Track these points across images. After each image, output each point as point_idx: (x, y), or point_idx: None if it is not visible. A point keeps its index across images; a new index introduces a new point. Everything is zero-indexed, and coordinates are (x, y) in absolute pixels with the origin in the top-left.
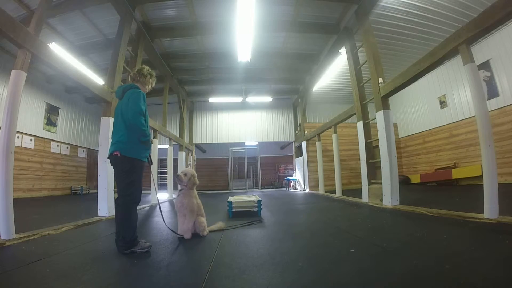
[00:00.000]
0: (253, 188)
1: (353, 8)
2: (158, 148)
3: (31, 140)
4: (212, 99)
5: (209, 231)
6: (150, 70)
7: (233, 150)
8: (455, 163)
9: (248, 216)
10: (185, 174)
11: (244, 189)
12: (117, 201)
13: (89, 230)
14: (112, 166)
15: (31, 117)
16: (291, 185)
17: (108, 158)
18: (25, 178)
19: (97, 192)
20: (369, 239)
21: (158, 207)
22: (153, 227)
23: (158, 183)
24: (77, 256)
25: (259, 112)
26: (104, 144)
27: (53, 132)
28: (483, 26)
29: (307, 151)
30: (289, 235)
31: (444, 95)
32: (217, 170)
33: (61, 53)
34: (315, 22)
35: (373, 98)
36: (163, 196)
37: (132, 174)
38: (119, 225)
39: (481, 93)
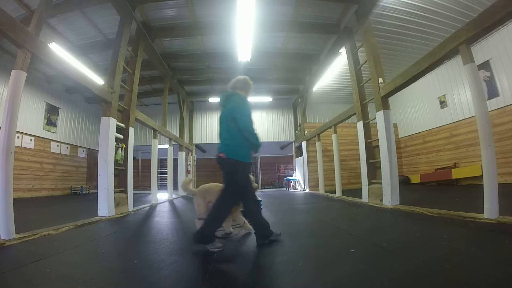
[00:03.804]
0: None
1: (353, 8)
2: (158, 148)
3: (31, 140)
4: (212, 99)
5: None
6: (251, 80)
7: None
8: (455, 163)
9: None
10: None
11: None
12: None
13: (89, 230)
14: (221, 168)
15: (31, 117)
16: (291, 185)
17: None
18: (25, 178)
19: (97, 192)
20: (369, 239)
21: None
22: (153, 227)
23: (158, 183)
24: (77, 256)
25: (259, 112)
26: (104, 144)
27: (53, 132)
28: (483, 26)
29: (307, 151)
30: (289, 234)
31: (444, 95)
32: (217, 170)
33: (61, 53)
34: (315, 22)
35: (373, 98)
36: (163, 196)
37: (234, 175)
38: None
39: (481, 93)
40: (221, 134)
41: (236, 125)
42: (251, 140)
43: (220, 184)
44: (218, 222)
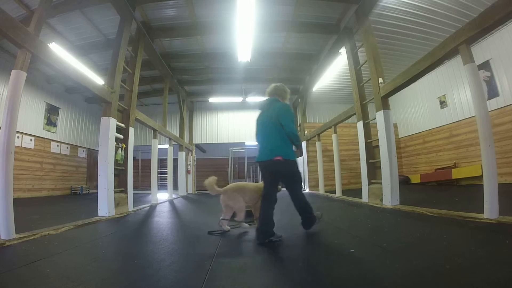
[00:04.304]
0: None
1: (353, 8)
2: (158, 148)
3: (31, 140)
4: (212, 99)
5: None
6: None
7: (233, 150)
8: (455, 163)
9: (248, 216)
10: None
11: None
12: (294, 197)
13: (89, 230)
14: (266, 169)
15: (31, 117)
16: None
17: (259, 162)
18: (25, 178)
19: (97, 192)
20: (369, 239)
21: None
22: (153, 227)
23: (158, 183)
24: (77, 256)
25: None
26: (104, 144)
27: (53, 132)
28: (483, 26)
29: (307, 151)
30: (289, 234)
31: (444, 95)
32: (217, 170)
33: (61, 53)
34: (315, 22)
35: (373, 98)
36: (163, 196)
37: (295, 172)
38: (302, 209)
39: (481, 93)
40: (266, 137)
41: (283, 129)
42: (295, 142)
43: (253, 184)
44: (307, 206)
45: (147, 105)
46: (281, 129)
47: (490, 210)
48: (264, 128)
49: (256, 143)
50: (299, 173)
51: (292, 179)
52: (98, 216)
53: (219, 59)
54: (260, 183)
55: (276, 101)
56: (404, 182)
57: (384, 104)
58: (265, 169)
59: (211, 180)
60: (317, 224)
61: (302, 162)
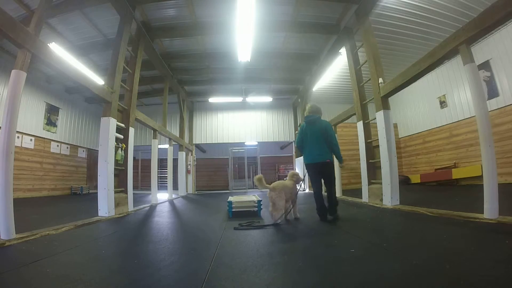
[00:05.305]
0: (253, 188)
1: (353, 8)
2: (158, 148)
3: (31, 140)
4: (212, 99)
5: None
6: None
7: (233, 150)
8: (455, 163)
9: (248, 216)
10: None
11: (244, 189)
12: (330, 190)
13: (89, 230)
14: (317, 169)
15: (31, 117)
16: None
17: (312, 163)
18: (25, 178)
19: (97, 192)
20: (369, 239)
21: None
22: (153, 227)
23: (158, 183)
24: (77, 256)
25: (259, 112)
26: (104, 144)
27: (53, 132)
28: (483, 26)
29: None
30: (289, 235)
31: (444, 95)
32: (217, 170)
33: (61, 53)
34: (315, 22)
35: (373, 98)
36: (163, 196)
37: (334, 171)
38: (333, 200)
39: (481, 93)
40: (317, 144)
41: (328, 141)
42: (336, 151)
43: (288, 181)
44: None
45: (147, 105)
46: (325, 140)
47: (490, 210)
48: (314, 138)
49: (299, 147)
50: (334, 172)
51: (332, 176)
52: (98, 216)
53: (219, 59)
54: (290, 181)
55: (319, 119)
56: (404, 182)
57: (384, 104)
58: (316, 168)
59: (260, 176)
60: (334, 216)
61: (302, 162)
